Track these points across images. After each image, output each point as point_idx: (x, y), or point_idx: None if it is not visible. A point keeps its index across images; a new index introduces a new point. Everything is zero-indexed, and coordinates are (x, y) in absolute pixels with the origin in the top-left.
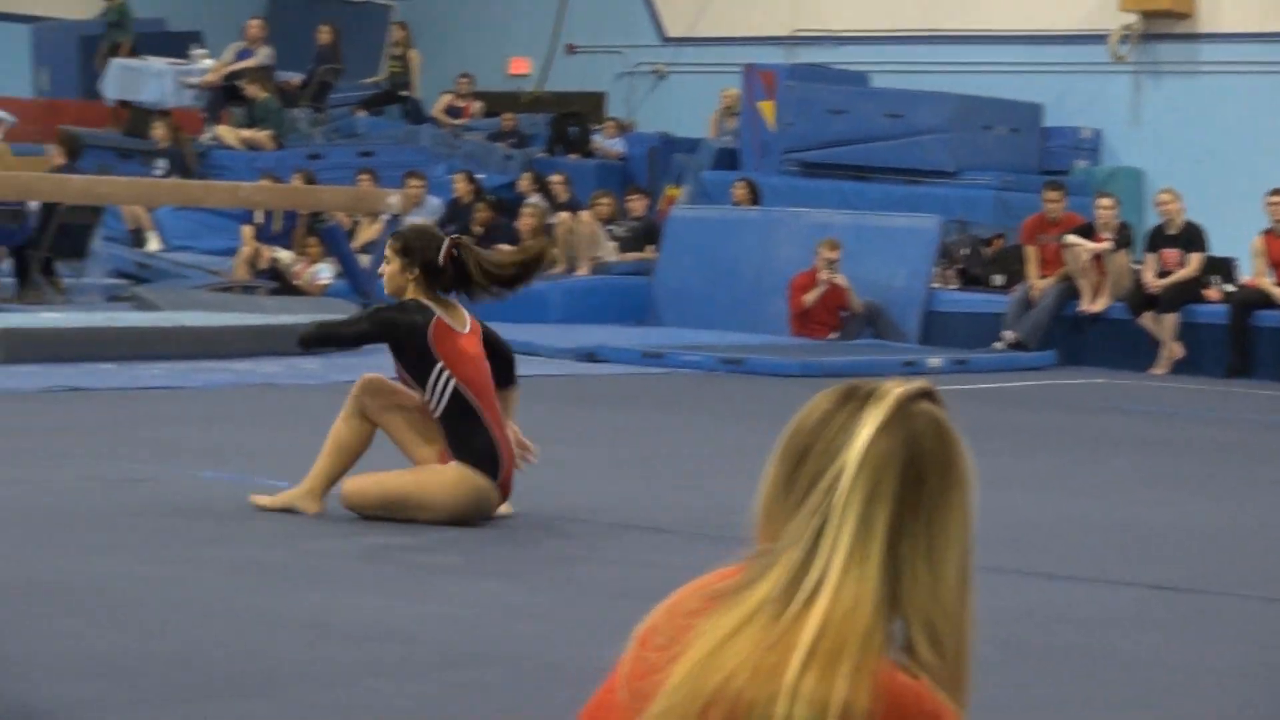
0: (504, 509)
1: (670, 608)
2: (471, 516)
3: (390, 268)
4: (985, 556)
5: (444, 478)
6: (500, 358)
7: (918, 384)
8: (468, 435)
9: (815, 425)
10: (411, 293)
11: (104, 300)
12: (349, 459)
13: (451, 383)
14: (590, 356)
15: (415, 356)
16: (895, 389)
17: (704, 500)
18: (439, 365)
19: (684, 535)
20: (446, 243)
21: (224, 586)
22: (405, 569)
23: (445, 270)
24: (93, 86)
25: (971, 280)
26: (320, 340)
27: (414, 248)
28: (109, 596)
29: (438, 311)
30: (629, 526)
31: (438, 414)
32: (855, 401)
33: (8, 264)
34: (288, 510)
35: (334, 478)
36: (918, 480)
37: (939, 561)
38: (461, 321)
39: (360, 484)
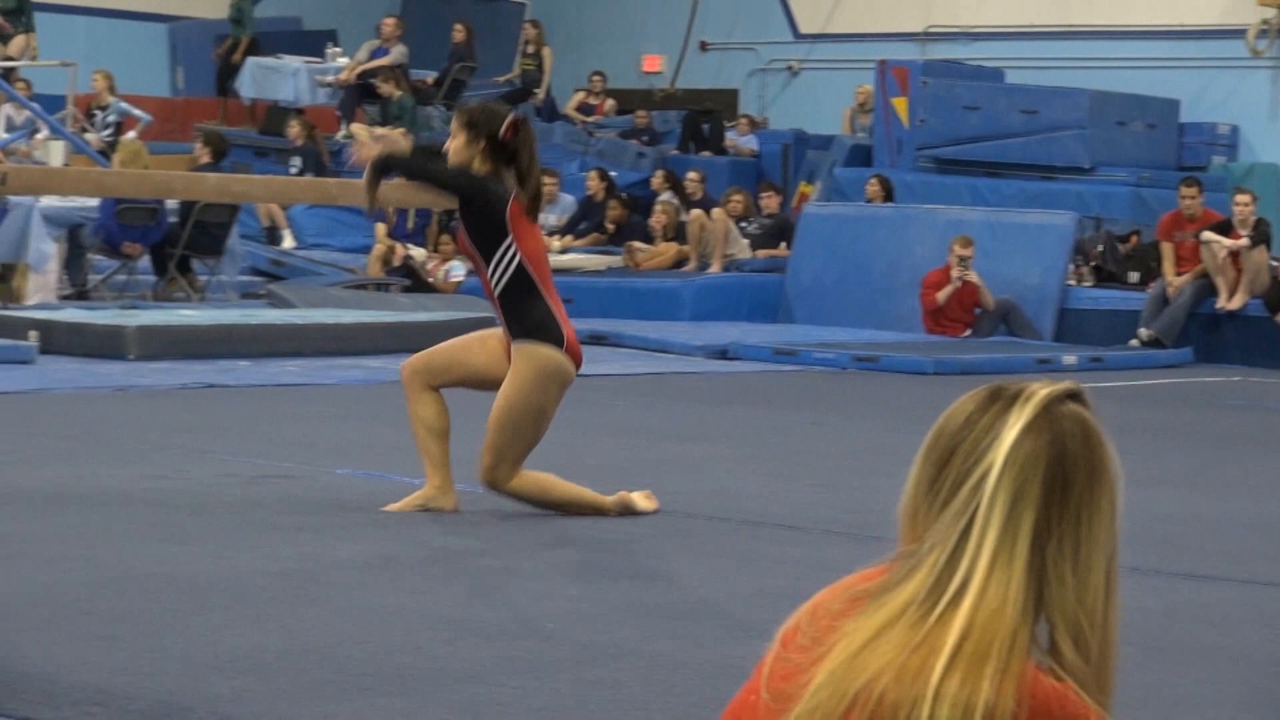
0: (647, 504)
1: (814, 608)
2: (558, 391)
3: (456, 142)
4: (1126, 556)
5: (515, 387)
6: None
7: (1064, 385)
8: (526, 310)
9: (960, 427)
10: (478, 166)
11: (239, 297)
12: (444, 435)
13: (517, 258)
14: (723, 354)
15: (491, 228)
16: (1041, 390)
17: (839, 498)
18: (509, 239)
19: (818, 533)
20: (510, 117)
21: (360, 583)
22: (537, 566)
23: (509, 144)
24: (228, 85)
25: (1107, 277)
26: (405, 170)
27: (479, 121)
28: (246, 593)
29: (514, 188)
30: (763, 524)
31: (499, 289)
32: (1001, 403)
33: (145, 262)
34: (423, 510)
35: (446, 460)
36: (1064, 482)
37: (1085, 564)
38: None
39: (432, 364)
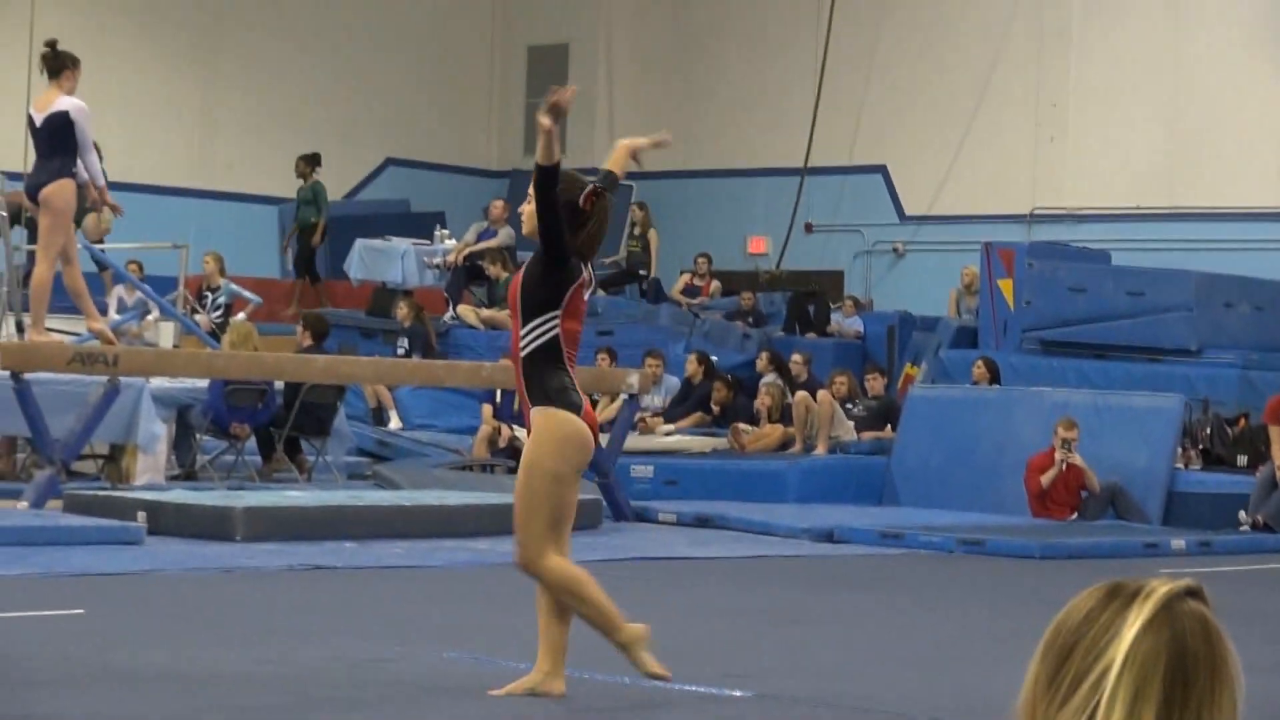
0: (656, 668)
1: None
2: (576, 456)
3: (531, 206)
4: None
5: (531, 453)
6: None
7: (1184, 582)
8: (547, 378)
9: (1080, 623)
10: None
11: (346, 478)
12: (591, 583)
13: (555, 331)
14: (828, 537)
15: (548, 294)
16: (1162, 587)
17: (946, 685)
18: (557, 313)
19: None
20: (589, 188)
21: None
22: None
23: (584, 214)
24: (337, 265)
25: (1215, 460)
26: (544, 182)
27: (561, 189)
28: None
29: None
30: (870, 711)
31: (525, 351)
32: (1121, 599)
33: (253, 442)
34: (532, 695)
35: (563, 645)
36: (1185, 680)
37: None
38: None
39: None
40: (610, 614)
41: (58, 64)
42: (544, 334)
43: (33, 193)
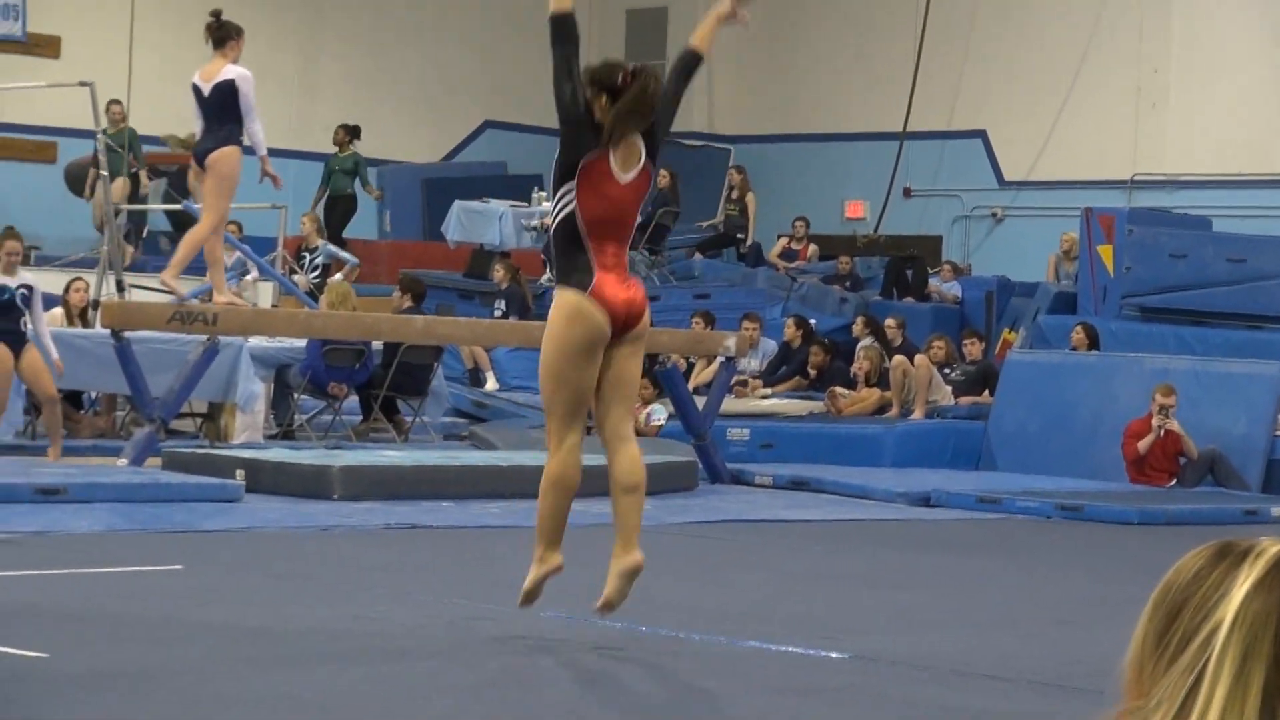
0: (522, 598)
1: None
2: (575, 331)
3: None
4: None
5: (548, 331)
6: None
7: None
8: (569, 260)
9: (1189, 582)
10: (598, 116)
11: (442, 438)
12: (550, 491)
13: (572, 206)
14: (925, 501)
15: (563, 161)
16: (1272, 547)
17: (1044, 649)
18: (570, 185)
19: (1024, 684)
20: (627, 67)
21: None
22: (748, 711)
23: (624, 90)
24: (435, 227)
25: None
26: (560, 37)
27: (599, 77)
28: None
29: (611, 149)
30: (967, 674)
31: (551, 227)
32: (1231, 559)
33: (350, 402)
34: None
35: (544, 522)
36: None
37: None
38: (627, 166)
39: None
40: (544, 531)
41: (223, 34)
42: (562, 209)
43: (200, 157)
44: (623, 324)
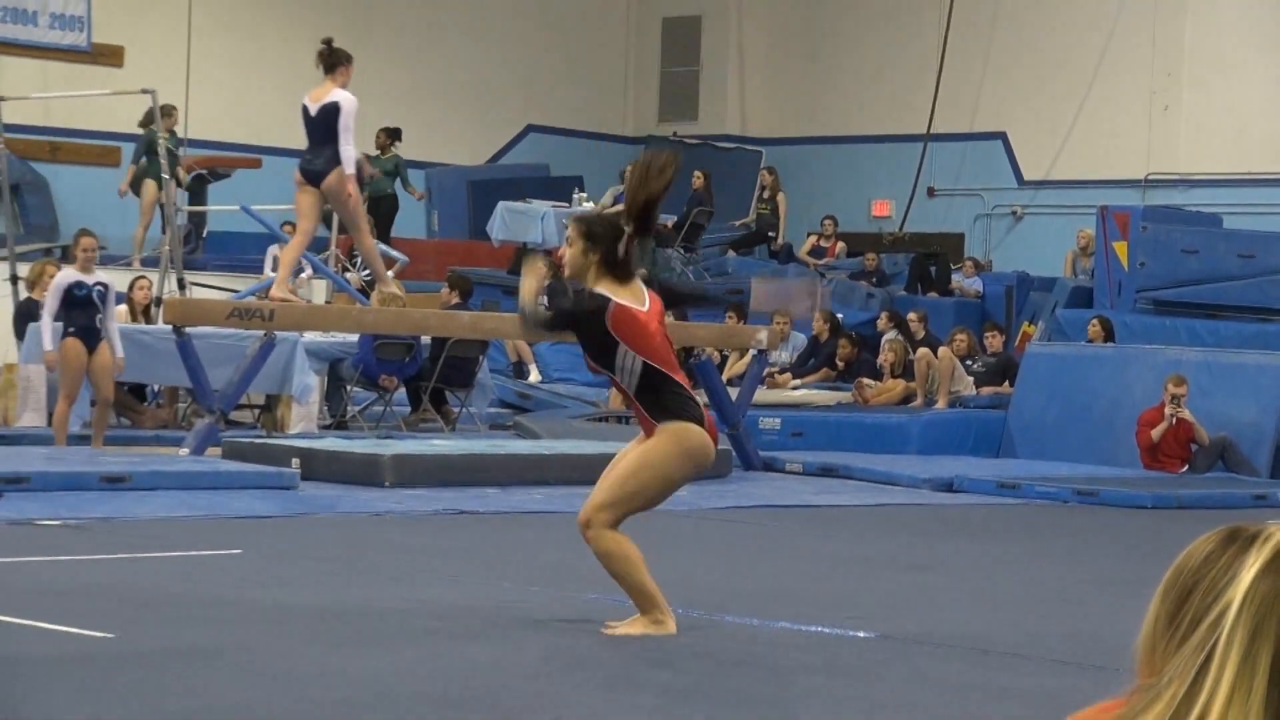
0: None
1: None
2: (694, 469)
3: (572, 250)
4: None
5: (657, 447)
6: (675, 298)
7: None
8: (664, 400)
9: (1200, 565)
10: (593, 275)
11: (488, 428)
12: (639, 564)
13: (639, 361)
14: (948, 487)
15: (598, 342)
16: (1279, 532)
17: (1063, 628)
18: (621, 347)
19: (1045, 662)
20: (626, 236)
21: (601, 704)
22: (772, 690)
23: (624, 261)
24: (480, 227)
25: None
26: (535, 323)
27: (596, 234)
28: (494, 713)
29: (614, 297)
30: (989, 652)
31: (634, 391)
32: (1240, 543)
33: (400, 394)
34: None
35: (648, 588)
36: None
37: None
38: (640, 298)
39: (601, 508)
40: (652, 595)
41: (333, 60)
42: (632, 370)
43: (309, 175)
44: None
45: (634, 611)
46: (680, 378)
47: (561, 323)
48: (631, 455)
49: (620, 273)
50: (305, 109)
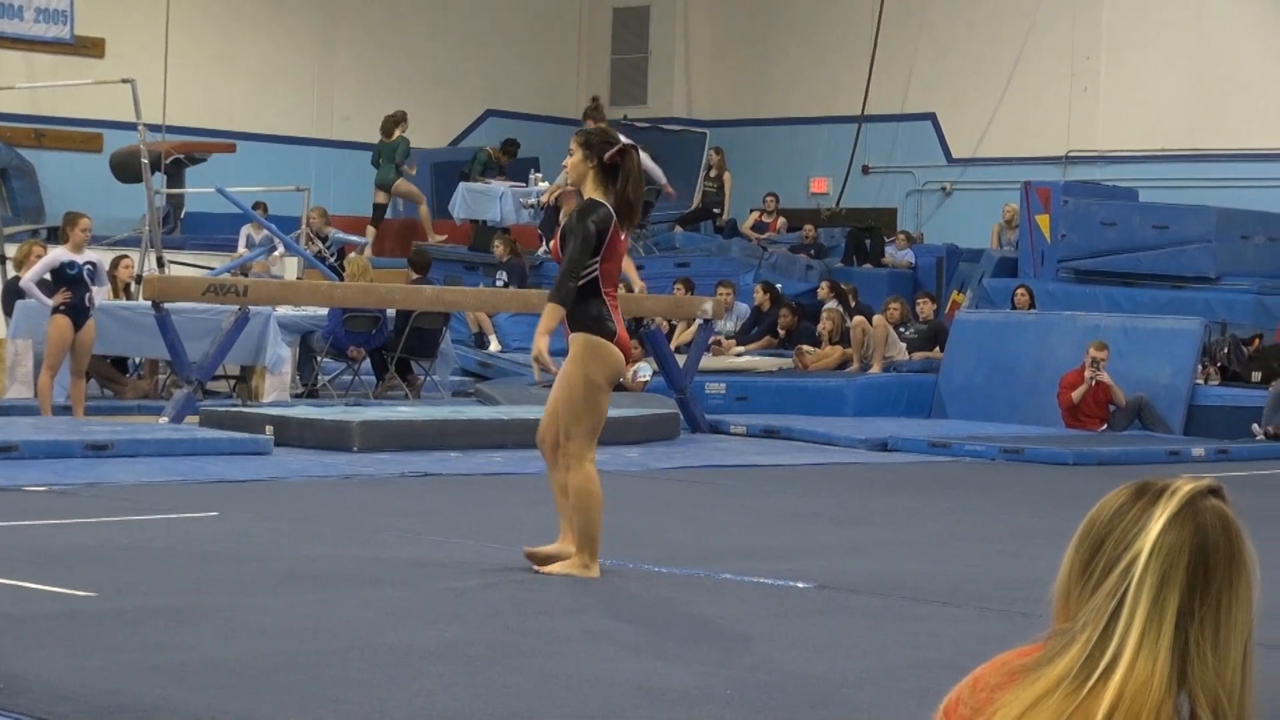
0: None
1: (974, 681)
2: (609, 370)
3: (573, 159)
4: (1261, 633)
5: (573, 369)
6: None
7: (1206, 481)
8: (586, 308)
9: (1111, 517)
10: (590, 182)
11: (451, 396)
12: (599, 509)
13: (595, 271)
14: (883, 446)
15: (595, 249)
16: (1185, 486)
17: (990, 577)
18: (596, 259)
19: (973, 609)
20: (617, 145)
21: (558, 652)
22: (707, 633)
23: (613, 168)
24: (444, 206)
25: (1232, 376)
26: (558, 298)
27: (593, 144)
28: (456, 661)
29: (612, 211)
30: (921, 601)
31: (576, 286)
32: (1148, 496)
33: (368, 364)
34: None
35: (595, 533)
36: (1206, 570)
37: (1224, 643)
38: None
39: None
40: (594, 541)
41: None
42: (586, 276)
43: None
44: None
45: (554, 540)
46: (611, 293)
47: (594, 247)
48: (559, 382)
49: (608, 178)
50: None
